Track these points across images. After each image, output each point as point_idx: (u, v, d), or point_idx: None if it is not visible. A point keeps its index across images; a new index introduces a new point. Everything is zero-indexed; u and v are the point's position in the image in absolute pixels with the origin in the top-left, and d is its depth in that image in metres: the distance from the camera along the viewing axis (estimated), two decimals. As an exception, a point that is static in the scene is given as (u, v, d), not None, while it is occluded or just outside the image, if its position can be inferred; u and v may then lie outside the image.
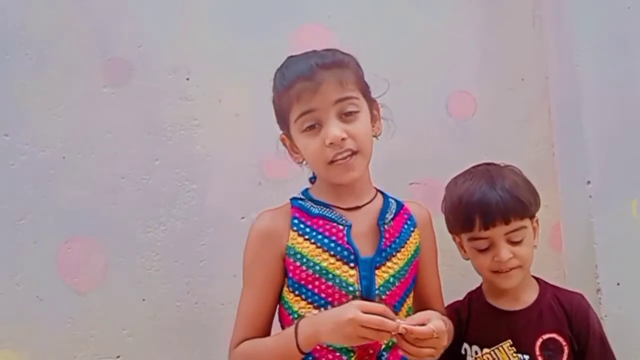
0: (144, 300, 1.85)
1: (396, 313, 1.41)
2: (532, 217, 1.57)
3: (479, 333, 1.60)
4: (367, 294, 1.40)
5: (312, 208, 1.47)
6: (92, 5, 1.85)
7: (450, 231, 1.64)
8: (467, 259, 1.63)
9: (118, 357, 1.84)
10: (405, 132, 1.99)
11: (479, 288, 1.67)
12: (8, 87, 1.81)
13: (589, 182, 1.86)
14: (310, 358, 1.40)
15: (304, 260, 1.42)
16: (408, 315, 1.46)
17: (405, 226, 1.52)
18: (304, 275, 1.41)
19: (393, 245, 1.46)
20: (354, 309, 1.26)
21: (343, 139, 1.39)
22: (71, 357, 1.81)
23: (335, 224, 1.44)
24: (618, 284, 1.79)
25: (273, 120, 1.83)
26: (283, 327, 1.47)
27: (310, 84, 1.39)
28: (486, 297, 1.64)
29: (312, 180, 1.55)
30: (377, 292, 1.42)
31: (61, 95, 1.83)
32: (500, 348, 1.54)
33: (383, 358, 1.41)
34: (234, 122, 1.91)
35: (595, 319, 1.58)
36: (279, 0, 1.96)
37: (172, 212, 1.87)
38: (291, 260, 1.43)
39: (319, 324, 1.32)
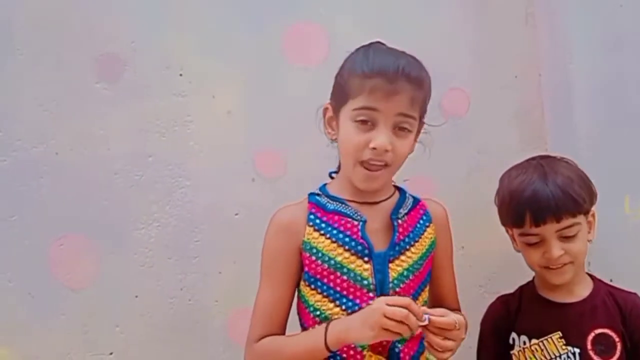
0: (136, 297, 1.85)
1: None
2: (586, 212, 1.54)
3: (528, 323, 1.60)
4: (380, 288, 1.43)
5: (327, 204, 1.49)
6: (85, 0, 1.84)
7: (502, 224, 1.64)
8: (519, 252, 1.63)
9: (111, 353, 1.83)
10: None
11: (532, 281, 1.67)
12: (0, 83, 1.80)
13: (581, 179, 1.87)
14: None
15: (320, 254, 1.44)
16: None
17: (421, 221, 1.54)
18: (319, 269, 1.44)
19: (407, 239, 1.49)
20: (380, 302, 1.30)
21: (386, 151, 1.41)
22: (64, 354, 1.80)
23: (350, 219, 1.46)
24: (611, 280, 1.79)
25: (266, 117, 1.84)
26: (300, 320, 1.50)
27: (389, 87, 1.40)
28: (538, 289, 1.64)
29: (331, 174, 1.57)
30: (390, 285, 1.44)
31: (53, 92, 1.82)
32: (550, 339, 1.54)
33: (396, 349, 1.43)
34: (227, 119, 1.91)
35: None
36: (273, -4, 1.96)
37: (165, 208, 1.87)
38: (307, 254, 1.45)
39: (349, 321, 1.36)
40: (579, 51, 1.93)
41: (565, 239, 1.53)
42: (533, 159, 1.64)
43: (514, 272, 2.01)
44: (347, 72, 1.48)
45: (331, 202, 1.49)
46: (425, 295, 1.52)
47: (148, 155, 1.86)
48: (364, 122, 1.41)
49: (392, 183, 1.58)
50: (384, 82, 1.40)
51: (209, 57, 1.90)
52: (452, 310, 1.46)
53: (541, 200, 1.51)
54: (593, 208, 1.57)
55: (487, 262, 2.08)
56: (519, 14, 2.12)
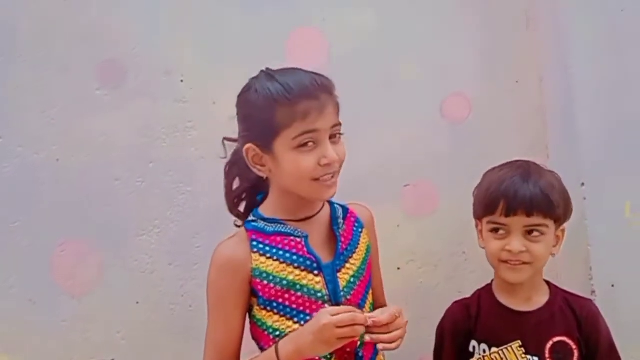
0: (137, 303, 1.85)
1: (361, 309, 1.45)
2: (557, 221, 1.55)
3: (488, 331, 1.60)
4: (334, 297, 1.45)
5: (266, 227, 1.49)
6: (86, 7, 1.85)
7: (474, 216, 1.65)
8: (483, 248, 1.63)
9: (112, 360, 1.84)
10: (400, 134, 2.01)
11: (489, 285, 1.67)
12: (1, 89, 1.81)
13: (583, 184, 1.87)
14: None
15: (271, 277, 1.44)
16: (371, 310, 1.51)
17: (355, 228, 1.56)
18: (273, 292, 1.44)
19: (349, 248, 1.51)
20: (324, 315, 1.32)
21: (336, 162, 1.44)
22: (65, 361, 1.81)
23: (292, 237, 1.46)
24: (612, 286, 1.79)
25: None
26: (259, 344, 1.49)
27: (317, 105, 1.41)
28: (496, 295, 1.64)
29: (259, 198, 1.55)
30: (342, 293, 1.46)
31: (55, 98, 1.82)
32: (509, 348, 1.53)
33: (360, 354, 1.45)
34: (228, 125, 1.90)
35: (604, 326, 1.58)
36: (273, 3, 1.96)
37: (166, 214, 1.87)
38: (258, 280, 1.44)
39: (299, 340, 1.37)
40: (580, 56, 1.93)
41: (531, 237, 1.54)
42: (522, 161, 1.65)
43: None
44: (264, 106, 1.43)
45: (269, 224, 1.49)
46: (370, 298, 1.55)
47: (149, 161, 1.87)
48: (306, 145, 1.42)
49: None
50: (311, 102, 1.40)
51: (210, 63, 1.90)
52: (381, 306, 1.56)
53: (517, 191, 1.53)
54: (565, 225, 1.58)
55: (489, 268, 2.07)
56: (519, 18, 2.12)
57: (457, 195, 2.04)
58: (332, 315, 1.31)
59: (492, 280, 1.67)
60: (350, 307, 1.36)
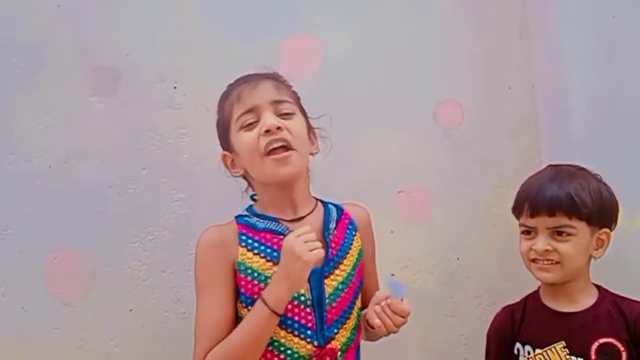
0: (131, 310, 1.84)
1: (347, 317, 1.48)
2: (589, 222, 1.54)
3: (532, 333, 1.60)
4: (318, 303, 1.45)
5: (257, 223, 1.49)
6: (79, 14, 1.84)
7: (514, 216, 1.67)
8: None
9: (105, 367, 1.82)
10: (393, 141, 2.01)
11: (537, 290, 1.67)
12: (-6, 96, 1.80)
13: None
14: None
15: (255, 274, 1.44)
16: (358, 317, 1.53)
17: (348, 232, 1.55)
18: (255, 289, 1.43)
19: (339, 254, 1.51)
20: (293, 240, 1.37)
21: (279, 128, 1.44)
22: (58, 369, 1.79)
23: (282, 237, 1.45)
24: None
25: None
26: None
27: (249, 85, 1.49)
28: (542, 298, 1.64)
29: (254, 197, 1.58)
30: (327, 300, 1.46)
31: (48, 105, 1.81)
32: (553, 349, 1.54)
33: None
34: (222, 131, 1.90)
35: None
36: (267, 8, 1.96)
37: (160, 221, 1.86)
38: (242, 275, 1.45)
39: (277, 277, 1.39)
40: (572, 62, 1.94)
41: (558, 237, 1.55)
42: (556, 165, 1.66)
43: (510, 283, 2.02)
44: (219, 112, 1.56)
45: (261, 220, 1.50)
46: (359, 303, 1.54)
47: (142, 168, 1.86)
48: (250, 125, 1.46)
49: (312, 196, 1.58)
50: (243, 85, 1.50)
51: (203, 69, 1.90)
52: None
53: (539, 192, 1.56)
54: (607, 230, 1.58)
55: (484, 274, 2.08)
56: (512, 26, 2.13)
57: (451, 201, 2.06)
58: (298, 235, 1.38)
59: (540, 285, 1.67)
60: (308, 228, 1.40)
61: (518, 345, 1.61)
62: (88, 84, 1.84)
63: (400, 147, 2.02)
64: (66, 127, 1.82)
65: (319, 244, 1.38)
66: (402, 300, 1.41)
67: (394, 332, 1.45)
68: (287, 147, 1.45)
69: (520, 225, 1.62)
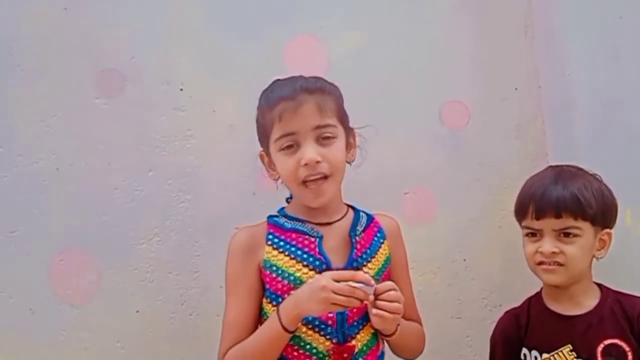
0: (137, 312, 1.84)
1: (369, 319, 1.46)
2: (593, 222, 1.55)
3: (538, 338, 1.60)
4: None
5: (285, 223, 1.54)
6: (85, 16, 1.84)
7: (516, 219, 1.66)
8: None
9: (112, 369, 1.83)
10: (399, 142, 2.01)
11: (539, 292, 1.67)
12: (0, 98, 1.80)
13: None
14: None
15: (279, 271, 1.48)
16: None
17: (376, 238, 1.57)
18: (279, 285, 1.47)
19: (364, 256, 1.52)
20: (326, 277, 1.37)
21: (318, 162, 1.46)
22: (64, 370, 1.80)
23: (307, 236, 1.51)
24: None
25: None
26: None
27: (292, 105, 1.47)
28: (545, 301, 1.64)
29: (288, 200, 1.61)
30: None
31: (53, 107, 1.82)
32: (560, 353, 1.55)
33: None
34: (228, 133, 1.91)
35: None
36: (271, 11, 1.96)
37: (166, 223, 1.86)
38: (267, 272, 1.49)
39: (297, 296, 1.41)
40: (578, 63, 1.93)
41: (564, 239, 1.54)
42: (557, 165, 1.66)
43: (516, 285, 2.02)
44: (259, 114, 1.56)
45: (289, 221, 1.54)
46: None
47: (148, 170, 1.86)
48: (289, 147, 1.48)
49: (345, 202, 1.61)
50: (286, 103, 1.47)
51: (209, 71, 1.90)
52: (411, 320, 1.58)
53: (544, 194, 1.55)
54: (608, 230, 1.58)
55: (490, 275, 2.08)
56: (518, 26, 2.13)
57: (457, 202, 2.06)
58: (334, 280, 1.35)
59: (542, 288, 1.67)
60: (352, 273, 1.38)
61: (525, 350, 1.61)
62: (94, 86, 1.84)
63: (406, 148, 2.02)
64: (72, 129, 1.82)
65: (342, 301, 1.35)
66: (371, 296, 1.39)
67: (394, 324, 1.45)
68: (324, 177, 1.48)
69: (524, 227, 1.61)
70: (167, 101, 1.88)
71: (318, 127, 1.47)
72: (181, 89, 1.89)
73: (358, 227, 1.55)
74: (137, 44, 1.87)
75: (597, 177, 1.62)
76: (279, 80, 1.56)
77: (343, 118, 1.55)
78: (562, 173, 1.59)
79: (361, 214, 1.59)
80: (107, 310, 1.82)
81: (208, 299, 1.86)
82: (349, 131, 1.57)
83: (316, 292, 1.36)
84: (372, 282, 1.38)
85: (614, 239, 1.58)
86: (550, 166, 1.67)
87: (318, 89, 1.50)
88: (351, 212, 1.59)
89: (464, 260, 2.06)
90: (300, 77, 1.54)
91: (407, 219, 2.00)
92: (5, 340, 1.76)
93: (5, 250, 1.77)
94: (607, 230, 1.59)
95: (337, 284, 1.35)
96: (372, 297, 1.38)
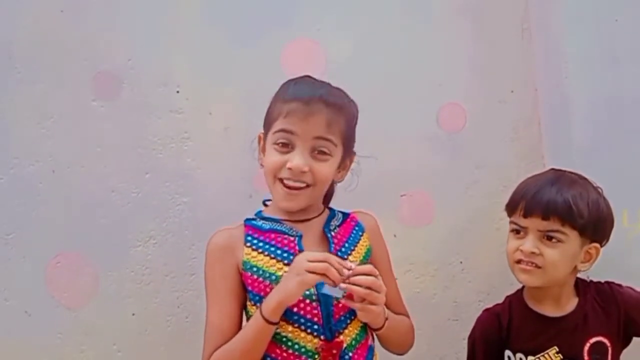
0: (133, 314, 1.84)
1: (354, 315, 1.47)
2: (581, 232, 1.53)
3: (523, 340, 1.59)
4: (323, 298, 1.45)
5: (263, 224, 1.53)
6: (81, 18, 1.84)
7: (506, 213, 1.66)
8: None
9: (108, 372, 1.82)
10: (396, 144, 2.01)
11: (519, 291, 1.67)
12: (-3, 100, 1.80)
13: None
14: None
15: (260, 272, 1.47)
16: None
17: (354, 231, 1.58)
18: (262, 286, 1.46)
19: (343, 249, 1.52)
20: (301, 259, 1.38)
21: (303, 172, 1.46)
22: (60, 373, 1.79)
23: (286, 235, 1.50)
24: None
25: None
26: None
27: (304, 109, 1.46)
28: (527, 301, 1.63)
29: (266, 202, 1.61)
30: None
31: (50, 109, 1.82)
32: (547, 355, 1.55)
33: (347, 357, 1.46)
34: (224, 135, 1.91)
35: (625, 290, 1.60)
36: (268, 14, 1.96)
37: (162, 225, 1.86)
38: (248, 274, 1.48)
39: (278, 287, 1.41)
40: (574, 65, 1.94)
41: (547, 242, 1.54)
42: (558, 170, 1.65)
43: (513, 287, 2.01)
44: (273, 100, 1.55)
45: (267, 222, 1.53)
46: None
47: (145, 172, 1.86)
48: (283, 145, 1.48)
49: (322, 205, 1.61)
50: (300, 105, 1.47)
51: (205, 74, 1.90)
52: (399, 314, 1.57)
53: (537, 194, 1.55)
54: (597, 245, 1.56)
55: (486, 277, 2.08)
56: (515, 29, 2.13)
57: (454, 204, 2.05)
58: (308, 260, 1.37)
59: (523, 287, 1.66)
60: (325, 255, 1.39)
61: (509, 352, 1.60)
62: (90, 89, 1.84)
63: (403, 151, 2.02)
64: (69, 131, 1.83)
65: (318, 266, 1.36)
66: (337, 300, 1.41)
67: (380, 317, 1.45)
68: (306, 186, 1.48)
69: (511, 223, 1.61)
70: (164, 104, 1.88)
71: (318, 137, 1.47)
72: (178, 92, 1.89)
73: (332, 222, 1.55)
74: (134, 46, 1.87)
75: (599, 190, 1.60)
76: (308, 77, 1.56)
77: (348, 139, 1.55)
78: (561, 177, 1.59)
79: (336, 212, 1.60)
80: (103, 313, 1.82)
81: (204, 302, 1.84)
82: (348, 153, 1.57)
83: (292, 267, 1.39)
84: (349, 264, 1.39)
85: (611, 239, 1.58)
86: (553, 169, 1.66)
87: (335, 104, 1.49)
88: (327, 211, 1.60)
89: (461, 262, 2.06)
90: (327, 85, 1.54)
91: (404, 221, 2.01)
92: (1, 343, 1.76)
93: (1, 252, 1.77)
94: (596, 245, 1.56)
95: (312, 264, 1.36)
96: (347, 273, 1.37)
